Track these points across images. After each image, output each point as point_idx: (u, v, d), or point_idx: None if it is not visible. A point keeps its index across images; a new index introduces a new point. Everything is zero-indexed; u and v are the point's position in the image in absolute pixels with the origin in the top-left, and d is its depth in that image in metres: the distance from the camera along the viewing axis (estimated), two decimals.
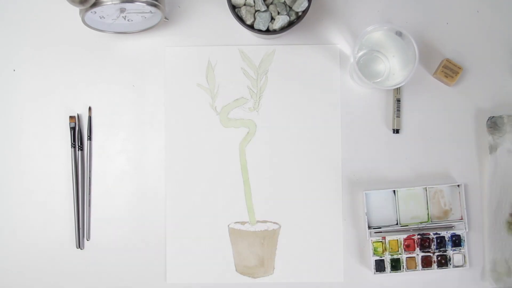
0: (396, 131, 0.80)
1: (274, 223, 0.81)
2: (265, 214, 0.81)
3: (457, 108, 0.81)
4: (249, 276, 0.81)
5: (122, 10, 0.74)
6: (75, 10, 0.76)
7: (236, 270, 0.81)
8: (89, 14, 0.73)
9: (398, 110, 0.80)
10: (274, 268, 0.81)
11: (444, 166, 0.81)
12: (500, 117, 0.79)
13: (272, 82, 0.82)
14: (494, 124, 0.79)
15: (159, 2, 0.74)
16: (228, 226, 0.81)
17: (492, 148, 0.79)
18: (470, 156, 0.81)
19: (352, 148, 0.81)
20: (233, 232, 0.81)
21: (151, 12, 0.76)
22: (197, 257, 0.81)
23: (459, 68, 0.79)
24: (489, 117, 0.79)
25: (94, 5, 0.71)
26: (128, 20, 0.77)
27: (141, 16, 0.77)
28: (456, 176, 0.81)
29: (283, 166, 0.81)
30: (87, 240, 0.81)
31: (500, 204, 0.79)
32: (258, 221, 0.81)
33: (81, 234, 0.81)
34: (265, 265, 0.81)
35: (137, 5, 0.73)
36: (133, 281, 0.81)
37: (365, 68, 0.79)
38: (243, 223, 0.81)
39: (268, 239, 0.81)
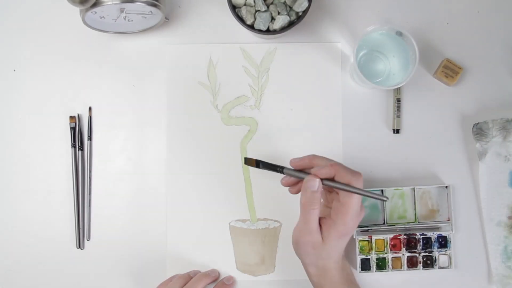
0: (396, 131, 0.81)
1: (275, 221, 0.81)
2: (266, 212, 0.81)
3: (458, 108, 0.81)
4: (249, 274, 0.81)
5: (122, 10, 0.74)
6: (75, 10, 0.75)
7: (237, 268, 0.81)
8: (89, 14, 0.73)
9: (398, 110, 0.81)
10: (275, 266, 0.81)
11: (445, 166, 0.81)
12: (485, 122, 0.79)
13: (273, 80, 0.82)
14: (480, 130, 0.79)
15: (159, 2, 0.74)
16: (229, 224, 0.81)
17: (481, 155, 0.79)
18: (471, 156, 0.81)
19: (352, 148, 0.81)
20: (234, 230, 0.81)
21: (151, 12, 0.75)
22: (198, 255, 0.81)
23: (460, 68, 0.79)
24: (474, 124, 0.79)
25: (95, 5, 0.71)
26: (128, 20, 0.77)
27: (141, 16, 0.76)
28: (458, 176, 0.81)
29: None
30: (87, 240, 0.81)
31: (497, 209, 0.79)
32: (259, 219, 0.81)
33: (81, 234, 0.81)
34: (266, 263, 0.81)
35: (137, 5, 0.72)
36: (134, 280, 0.81)
37: (365, 68, 0.79)
38: (244, 221, 0.81)
39: (269, 237, 0.81)
